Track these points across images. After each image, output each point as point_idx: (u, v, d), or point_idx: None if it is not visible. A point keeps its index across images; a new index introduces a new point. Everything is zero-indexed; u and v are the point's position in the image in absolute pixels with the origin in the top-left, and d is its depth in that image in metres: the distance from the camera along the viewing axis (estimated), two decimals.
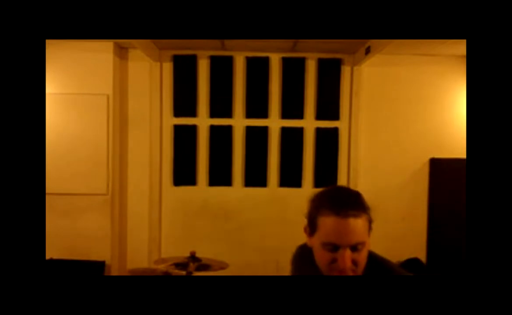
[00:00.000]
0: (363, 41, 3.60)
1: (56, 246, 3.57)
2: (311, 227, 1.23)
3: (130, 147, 4.06)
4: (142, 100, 4.02)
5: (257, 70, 4.03)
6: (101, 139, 3.72)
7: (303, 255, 1.37)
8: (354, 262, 1.20)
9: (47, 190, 3.41)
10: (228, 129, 4.04)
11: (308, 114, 4.06)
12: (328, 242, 1.19)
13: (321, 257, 1.21)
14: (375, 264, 1.33)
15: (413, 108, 4.07)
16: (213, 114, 4.03)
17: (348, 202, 1.21)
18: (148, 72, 4.00)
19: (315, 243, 1.22)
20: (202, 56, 4.02)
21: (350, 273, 1.21)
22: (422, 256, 3.99)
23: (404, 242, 4.03)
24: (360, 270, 1.23)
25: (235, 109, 4.04)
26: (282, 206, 4.02)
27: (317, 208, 1.21)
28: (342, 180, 4.07)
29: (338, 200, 1.20)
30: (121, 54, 3.94)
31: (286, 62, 4.03)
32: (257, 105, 4.04)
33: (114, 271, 3.79)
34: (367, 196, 4.33)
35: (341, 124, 4.07)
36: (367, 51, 3.59)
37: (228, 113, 4.04)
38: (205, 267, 2.94)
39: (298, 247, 1.52)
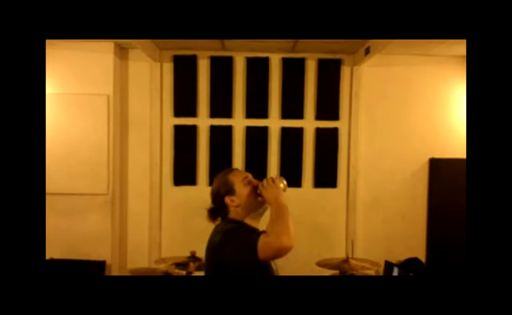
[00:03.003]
0: (363, 41, 3.60)
1: (57, 246, 3.57)
2: (230, 189, 1.71)
3: (131, 147, 4.05)
4: (142, 100, 4.02)
5: (257, 70, 4.02)
6: (101, 139, 3.72)
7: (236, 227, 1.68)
8: None
9: (48, 190, 3.41)
10: (228, 129, 4.03)
11: (308, 114, 4.06)
12: (245, 177, 1.75)
13: (246, 196, 1.70)
14: None
15: (413, 108, 4.07)
16: (213, 114, 4.03)
17: None
18: (149, 72, 4.00)
19: (240, 191, 1.70)
20: (202, 56, 4.02)
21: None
22: (421, 255, 3.99)
23: (403, 241, 4.03)
24: None
25: (235, 109, 4.04)
26: None
27: (224, 179, 1.76)
28: (342, 180, 4.07)
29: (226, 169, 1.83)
30: (122, 54, 3.94)
31: (286, 62, 4.03)
32: (257, 105, 4.04)
33: (115, 271, 3.79)
34: (367, 196, 4.36)
35: (341, 124, 4.07)
36: (367, 51, 3.59)
37: (228, 113, 4.03)
38: None
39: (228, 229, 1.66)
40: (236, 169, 1.84)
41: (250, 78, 4.03)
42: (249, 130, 4.04)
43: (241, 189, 1.71)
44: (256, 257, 1.51)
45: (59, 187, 3.65)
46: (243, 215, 1.71)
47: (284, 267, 4.39)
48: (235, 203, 1.70)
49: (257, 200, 1.71)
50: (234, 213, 1.71)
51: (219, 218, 1.77)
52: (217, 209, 1.76)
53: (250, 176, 1.78)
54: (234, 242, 1.59)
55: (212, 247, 1.66)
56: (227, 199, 1.71)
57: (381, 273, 3.35)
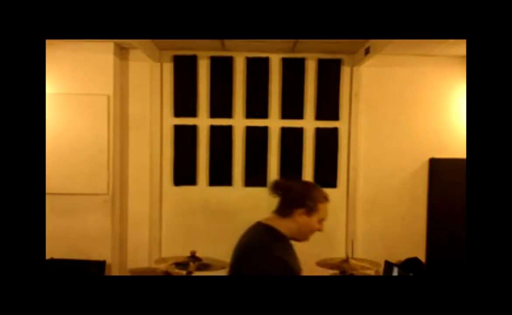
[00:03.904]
0: (362, 41, 3.60)
1: (57, 246, 3.57)
2: (311, 210, 1.73)
3: (131, 147, 4.05)
4: (142, 101, 4.02)
5: (257, 70, 4.02)
6: (101, 139, 3.72)
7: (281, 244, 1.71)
8: None
9: (48, 190, 3.41)
10: (228, 129, 4.04)
11: (308, 114, 4.06)
12: (324, 218, 1.78)
13: (312, 226, 1.75)
14: None
15: (413, 108, 4.07)
16: (213, 114, 4.03)
17: None
18: (149, 73, 4.00)
19: (313, 219, 1.73)
20: (202, 57, 4.02)
21: None
22: (421, 256, 3.99)
23: (403, 241, 4.03)
24: None
25: (235, 109, 4.04)
26: None
27: (316, 198, 1.76)
28: (342, 180, 4.07)
29: (324, 193, 1.82)
30: (122, 54, 3.94)
31: (286, 62, 4.03)
32: (257, 105, 4.04)
33: (115, 271, 3.79)
34: (367, 196, 4.38)
35: (341, 124, 4.07)
36: (367, 51, 3.59)
37: (228, 113, 4.03)
38: (206, 266, 2.94)
39: (272, 243, 1.67)
40: (327, 202, 1.81)
41: (250, 78, 4.03)
42: (249, 130, 4.04)
43: (312, 220, 1.74)
44: None
45: (59, 187, 3.66)
46: (291, 232, 1.73)
47: None
48: (300, 220, 1.72)
49: (305, 239, 1.76)
50: (286, 226, 1.72)
51: (277, 198, 1.78)
52: (280, 195, 1.78)
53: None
54: (268, 270, 1.56)
55: (246, 252, 1.64)
56: (298, 210, 1.72)
57: (381, 273, 3.35)
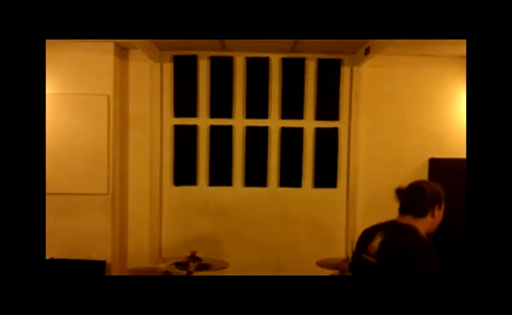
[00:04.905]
0: (362, 41, 3.60)
1: (57, 246, 3.57)
2: (441, 205, 1.92)
3: (131, 147, 4.05)
4: (142, 101, 4.02)
5: (257, 70, 4.02)
6: (101, 139, 3.72)
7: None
8: None
9: (47, 190, 3.41)
10: (228, 129, 4.04)
11: (308, 114, 4.06)
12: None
13: (441, 219, 1.93)
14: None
15: (413, 108, 4.07)
16: (213, 114, 4.03)
17: None
18: (149, 73, 4.00)
19: (442, 212, 1.92)
20: (202, 57, 4.02)
21: None
22: None
23: None
24: None
25: (235, 109, 4.04)
26: (282, 206, 4.02)
27: (441, 195, 1.94)
28: (342, 180, 4.07)
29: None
30: (122, 54, 3.94)
31: (286, 62, 4.03)
32: (257, 105, 4.04)
33: (115, 271, 3.79)
34: (367, 195, 4.39)
35: (340, 124, 4.07)
36: (367, 51, 3.59)
37: (228, 113, 4.04)
38: (206, 266, 2.95)
39: (422, 240, 1.80)
40: None
41: (250, 78, 4.03)
42: (249, 130, 4.04)
43: (441, 213, 1.92)
44: None
45: (59, 187, 3.65)
46: (426, 230, 1.85)
47: (285, 267, 4.39)
48: (436, 215, 1.88)
49: (431, 233, 1.86)
50: (423, 226, 1.85)
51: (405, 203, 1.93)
52: (413, 199, 1.92)
53: None
54: (429, 260, 1.71)
55: (415, 255, 1.72)
56: (436, 207, 1.89)
57: None
